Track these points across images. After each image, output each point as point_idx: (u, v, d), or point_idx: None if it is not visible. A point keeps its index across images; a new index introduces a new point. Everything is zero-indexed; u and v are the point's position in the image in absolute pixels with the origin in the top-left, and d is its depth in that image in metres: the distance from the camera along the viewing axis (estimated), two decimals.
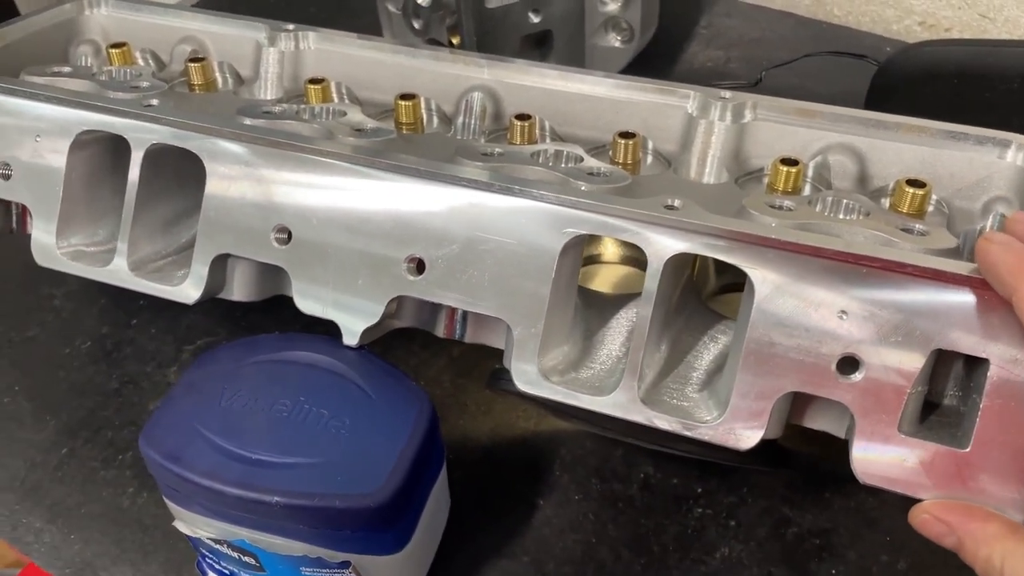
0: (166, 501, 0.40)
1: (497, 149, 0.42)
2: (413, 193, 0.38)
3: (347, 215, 0.39)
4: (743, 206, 0.37)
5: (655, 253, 0.35)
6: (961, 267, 0.31)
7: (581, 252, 0.38)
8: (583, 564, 0.44)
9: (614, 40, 0.68)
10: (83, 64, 0.55)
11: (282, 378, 0.38)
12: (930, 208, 0.41)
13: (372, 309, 0.39)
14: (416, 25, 0.70)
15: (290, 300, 0.44)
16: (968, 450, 0.32)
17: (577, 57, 0.68)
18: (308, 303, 0.40)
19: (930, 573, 0.43)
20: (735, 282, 0.48)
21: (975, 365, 0.34)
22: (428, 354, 0.54)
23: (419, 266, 0.38)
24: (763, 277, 0.33)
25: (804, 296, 0.33)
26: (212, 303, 0.57)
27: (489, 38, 0.63)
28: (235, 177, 0.40)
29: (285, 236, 0.40)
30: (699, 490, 0.47)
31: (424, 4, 0.67)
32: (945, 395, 0.36)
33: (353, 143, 0.42)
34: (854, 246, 0.33)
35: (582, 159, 0.42)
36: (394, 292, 0.39)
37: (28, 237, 0.49)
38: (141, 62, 0.54)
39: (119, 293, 0.60)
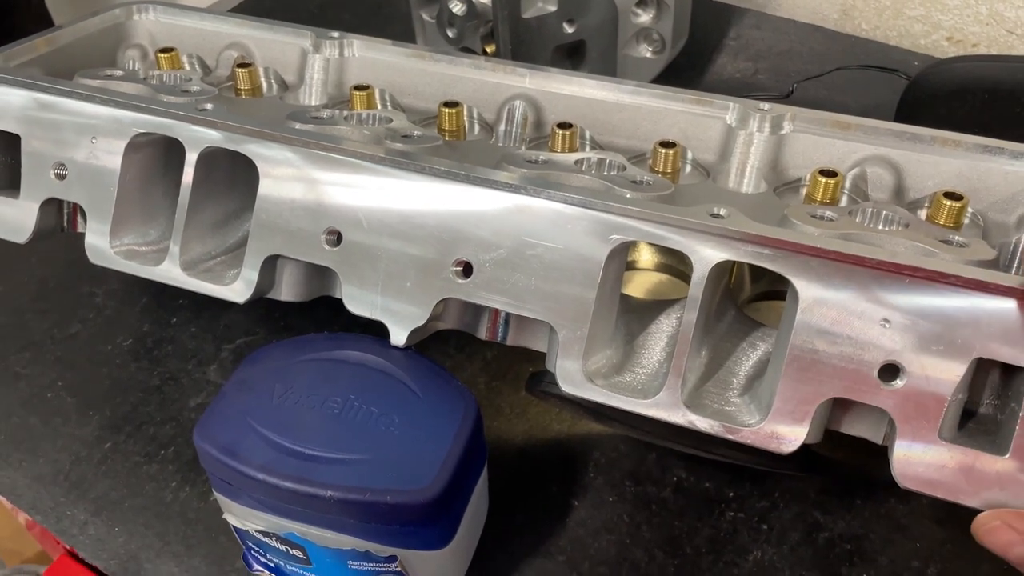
0: (215, 494, 0.41)
1: (541, 156, 0.43)
2: (462, 198, 0.39)
3: (397, 218, 0.40)
4: (785, 215, 0.38)
5: (700, 260, 0.36)
6: (1003, 278, 0.32)
7: (625, 258, 0.39)
8: (618, 564, 0.45)
9: (645, 51, 0.69)
10: (131, 67, 0.56)
11: (332, 376, 0.40)
12: (966, 220, 0.42)
13: (420, 311, 0.40)
14: (450, 34, 0.71)
15: (327, 300, 0.46)
16: (1007, 456, 0.33)
17: (609, 67, 0.69)
18: (357, 304, 0.41)
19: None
20: (770, 290, 0.49)
21: (1013, 374, 0.34)
22: (463, 356, 0.55)
23: (466, 269, 0.39)
24: (807, 285, 0.34)
25: (847, 305, 0.34)
26: (250, 303, 0.59)
27: (524, 47, 0.64)
28: (287, 180, 0.42)
29: (335, 238, 0.41)
30: (731, 494, 0.48)
31: (459, 13, 0.68)
32: (981, 404, 0.37)
33: (401, 148, 0.43)
34: (899, 256, 0.33)
35: (624, 168, 0.43)
36: (442, 294, 0.40)
37: (70, 236, 0.50)
38: (187, 67, 0.55)
39: (160, 292, 0.62)
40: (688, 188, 0.44)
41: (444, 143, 0.45)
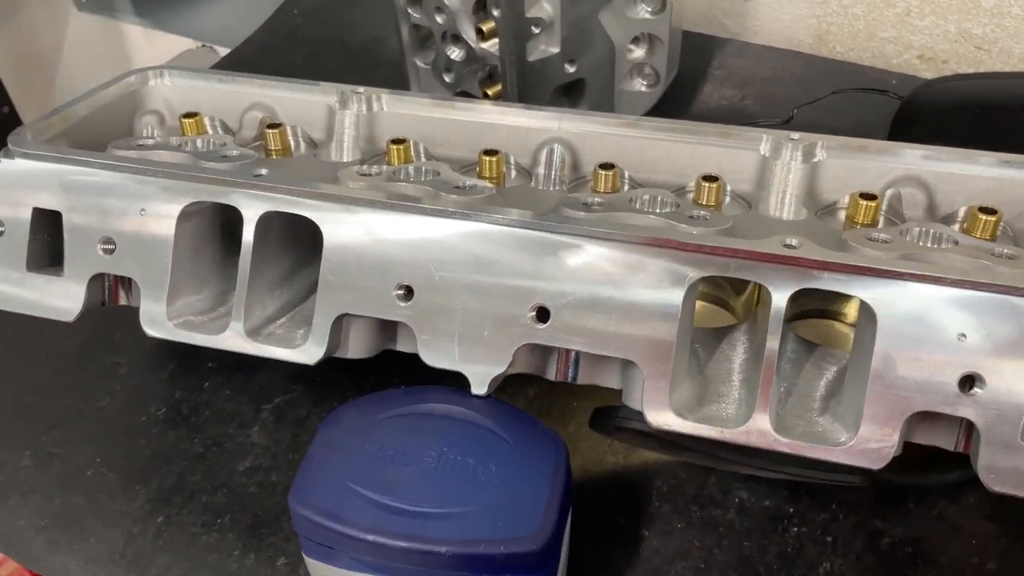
0: (307, 560, 0.40)
1: (596, 199, 0.44)
2: (533, 244, 0.40)
3: (470, 269, 0.40)
4: (844, 240, 0.40)
5: (779, 290, 0.37)
6: None
7: (697, 292, 0.41)
8: None
9: (640, 85, 0.71)
10: (148, 133, 0.56)
11: (421, 431, 0.40)
12: (999, 232, 0.44)
13: (499, 358, 0.41)
14: (447, 79, 0.72)
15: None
16: None
17: (607, 102, 0.71)
18: (434, 357, 0.42)
19: (1018, 571, 0.46)
20: (806, 309, 0.51)
21: None
22: (506, 396, 0.55)
23: (540, 314, 0.40)
24: (885, 306, 0.36)
25: (924, 322, 0.36)
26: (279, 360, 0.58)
27: (528, 89, 0.66)
28: (351, 239, 0.42)
29: (405, 293, 0.42)
30: (791, 510, 0.49)
31: (457, 59, 0.70)
32: None
33: (456, 199, 0.44)
34: (971, 274, 0.36)
35: (678, 204, 0.44)
36: (520, 341, 0.40)
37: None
38: (210, 130, 0.55)
39: (186, 357, 0.61)
40: (738, 219, 0.46)
41: (497, 191, 0.45)
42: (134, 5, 1.21)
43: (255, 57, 0.86)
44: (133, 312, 0.61)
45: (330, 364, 0.54)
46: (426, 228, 0.41)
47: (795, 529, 0.48)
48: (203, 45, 1.17)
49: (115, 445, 0.55)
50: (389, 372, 0.52)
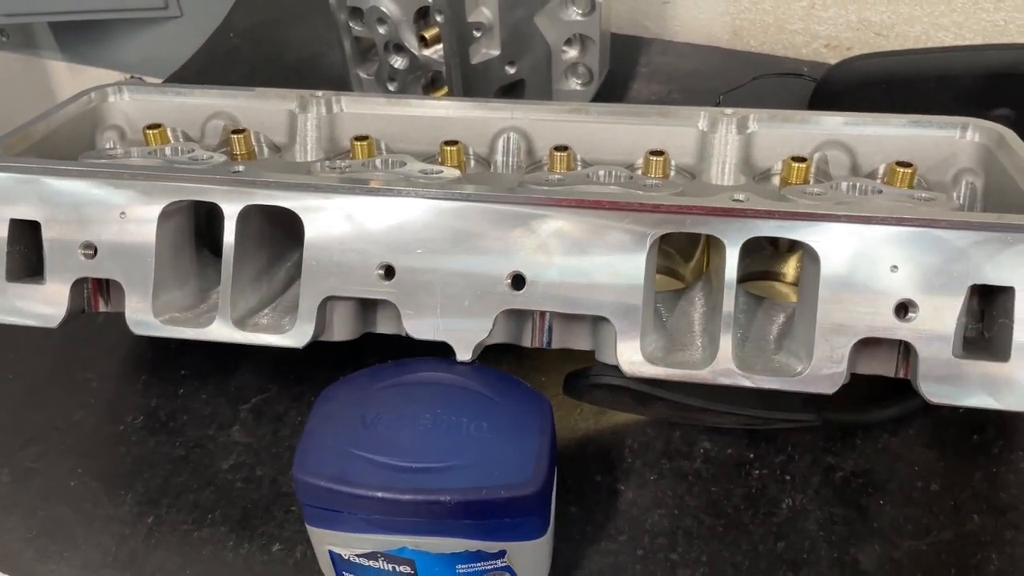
0: (311, 530, 0.42)
1: (556, 176, 0.47)
2: (504, 217, 0.43)
3: (448, 245, 0.43)
4: (783, 195, 0.45)
5: (732, 242, 0.41)
6: (985, 217, 0.39)
7: (657, 250, 0.45)
8: (673, 534, 0.49)
9: (575, 84, 0.75)
10: (110, 147, 0.57)
11: (414, 397, 0.42)
12: (915, 183, 0.49)
13: (481, 324, 0.44)
14: (391, 88, 0.75)
15: (333, 346, 0.48)
16: (1009, 362, 0.40)
17: (545, 100, 0.75)
18: (419, 329, 0.44)
19: (959, 488, 0.51)
20: (750, 272, 0.55)
21: (995, 296, 0.42)
22: None
23: (516, 282, 0.43)
24: (826, 247, 0.41)
25: (860, 258, 0.40)
26: (254, 361, 0.60)
27: (472, 91, 0.69)
28: (331, 226, 0.44)
29: (386, 272, 0.44)
30: (751, 455, 0.53)
31: (400, 67, 0.73)
32: (967, 331, 0.44)
33: (426, 184, 0.47)
34: (896, 210, 0.40)
35: (631, 177, 0.48)
36: (500, 307, 0.43)
37: (43, 329, 0.50)
38: (172, 140, 0.56)
39: (159, 366, 0.62)
40: (689, 186, 0.50)
41: (463, 175, 0.49)
42: (57, 41, 1.21)
43: (195, 79, 0.88)
44: (99, 328, 0.63)
45: (303, 361, 0.56)
46: (403, 209, 0.44)
47: (757, 472, 0.52)
48: (132, 76, 1.17)
49: (95, 455, 0.56)
50: (362, 365, 0.54)
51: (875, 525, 0.49)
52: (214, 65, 0.90)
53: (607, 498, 0.51)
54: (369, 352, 0.49)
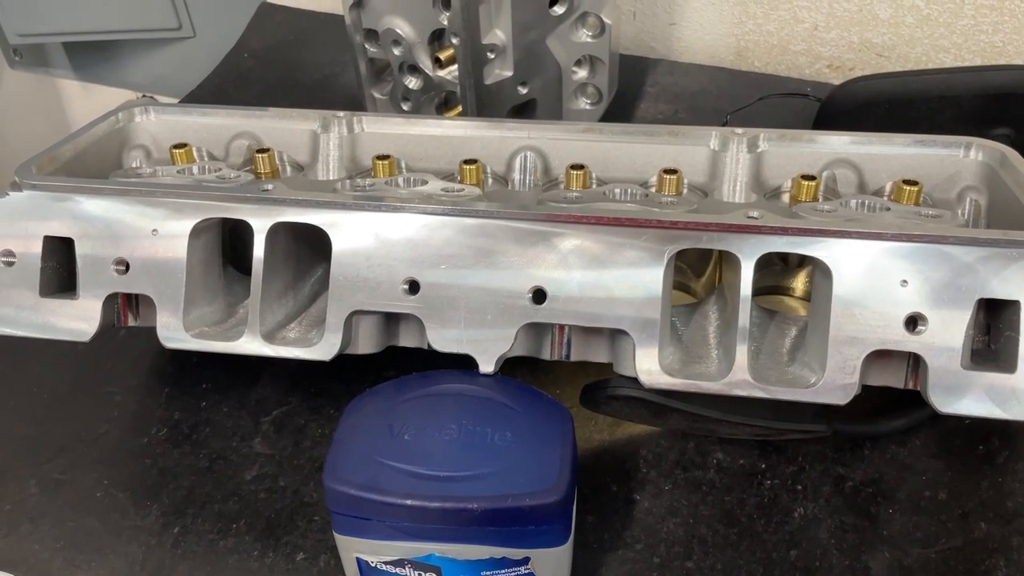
0: (339, 538, 0.43)
1: (574, 194, 0.49)
2: (526, 234, 0.45)
3: (471, 260, 0.45)
4: (795, 212, 0.46)
5: (747, 257, 0.43)
6: (991, 233, 0.41)
7: (674, 265, 0.46)
8: (688, 542, 0.51)
9: (585, 103, 0.77)
10: (137, 166, 0.59)
11: (439, 409, 0.44)
12: (922, 200, 0.51)
13: (503, 338, 0.45)
14: (405, 108, 0.76)
15: (350, 359, 0.50)
16: (1015, 373, 0.41)
17: (556, 120, 0.76)
18: (443, 341, 0.46)
19: (966, 497, 0.52)
20: (761, 287, 0.57)
21: (1002, 310, 0.43)
22: None
23: (537, 296, 0.45)
24: (838, 262, 0.42)
25: (871, 273, 0.42)
26: (273, 374, 0.61)
27: (486, 111, 0.71)
28: (358, 242, 0.46)
29: (410, 287, 0.46)
30: (763, 466, 0.54)
31: (415, 88, 0.74)
32: (974, 343, 0.46)
33: (449, 201, 0.48)
34: (906, 227, 0.42)
35: (647, 194, 0.50)
36: (521, 321, 0.45)
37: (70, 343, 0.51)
38: (199, 160, 0.58)
39: (180, 380, 0.63)
40: (700, 204, 0.51)
41: (483, 193, 0.50)
42: (70, 60, 1.22)
43: (210, 99, 0.89)
44: (121, 342, 0.64)
45: (322, 374, 0.58)
46: (427, 226, 0.45)
47: (769, 482, 0.54)
48: (144, 95, 1.18)
49: (121, 467, 0.57)
50: (379, 378, 0.55)
51: (885, 533, 0.50)
52: (228, 86, 0.92)
53: (623, 507, 0.52)
54: (386, 365, 0.51)
